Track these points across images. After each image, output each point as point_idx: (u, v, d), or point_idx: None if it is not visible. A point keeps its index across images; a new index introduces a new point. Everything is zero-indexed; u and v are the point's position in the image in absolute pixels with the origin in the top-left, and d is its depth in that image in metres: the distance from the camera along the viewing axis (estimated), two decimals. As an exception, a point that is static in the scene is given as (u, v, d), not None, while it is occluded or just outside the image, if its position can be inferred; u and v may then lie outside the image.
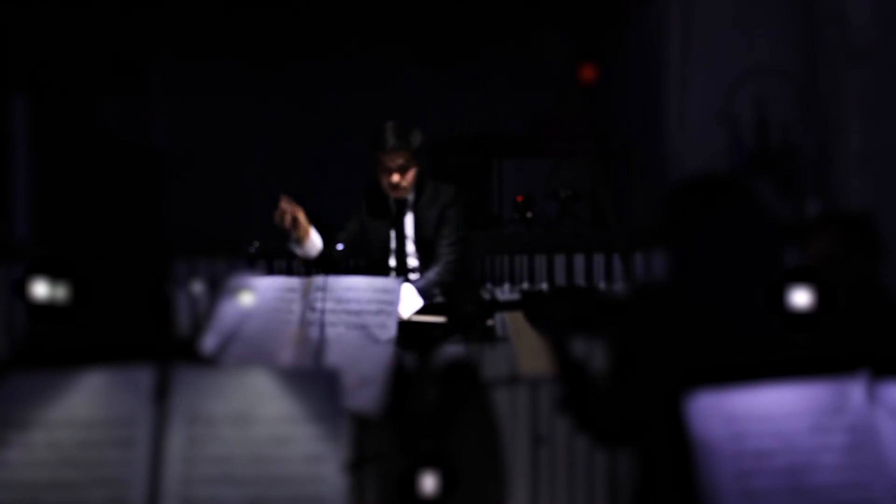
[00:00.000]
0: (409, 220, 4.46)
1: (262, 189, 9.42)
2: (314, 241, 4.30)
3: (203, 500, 1.83)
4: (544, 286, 6.30)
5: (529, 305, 2.59)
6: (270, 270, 6.54)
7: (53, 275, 2.22)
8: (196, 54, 9.47)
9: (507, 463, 3.82)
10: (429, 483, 2.18)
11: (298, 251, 4.30)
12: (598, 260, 6.59)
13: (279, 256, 6.71)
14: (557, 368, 2.43)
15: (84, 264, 2.28)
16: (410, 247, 4.46)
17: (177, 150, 9.61)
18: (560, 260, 6.48)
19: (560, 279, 6.49)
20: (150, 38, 9.26)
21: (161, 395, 1.89)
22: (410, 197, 4.45)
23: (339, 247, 4.33)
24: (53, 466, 1.85)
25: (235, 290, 3.44)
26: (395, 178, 4.36)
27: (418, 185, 4.43)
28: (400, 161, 4.36)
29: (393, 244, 4.46)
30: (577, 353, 2.42)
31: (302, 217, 4.20)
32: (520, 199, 7.35)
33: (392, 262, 4.45)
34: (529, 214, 7.17)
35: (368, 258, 4.58)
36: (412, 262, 4.45)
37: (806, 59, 6.51)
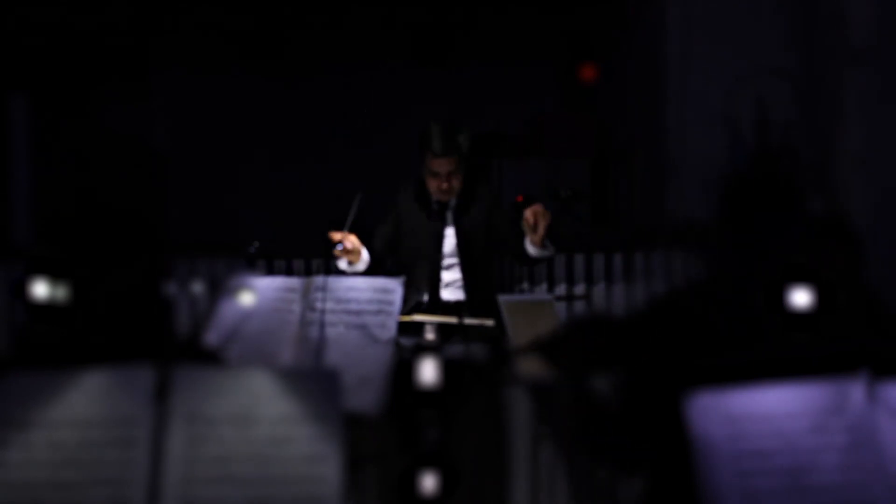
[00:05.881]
0: (449, 221, 4.40)
1: (263, 189, 9.42)
2: (364, 259, 4.29)
3: (203, 500, 1.83)
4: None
5: (550, 345, 2.57)
6: (270, 270, 6.54)
7: (53, 275, 2.22)
8: (197, 56, 9.47)
9: (508, 463, 3.82)
10: (429, 483, 2.18)
11: (349, 269, 4.28)
12: (599, 259, 6.59)
13: (279, 256, 6.71)
14: (578, 416, 2.41)
15: (84, 264, 2.28)
16: (448, 247, 4.39)
17: (177, 151, 9.60)
18: (560, 259, 6.49)
19: (560, 279, 6.48)
20: (152, 39, 9.26)
21: (161, 395, 1.89)
22: (453, 199, 4.40)
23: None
24: (53, 466, 1.85)
25: (235, 290, 3.44)
26: (445, 185, 4.30)
27: (463, 185, 4.38)
28: (449, 167, 4.29)
29: (431, 245, 4.39)
30: (597, 395, 2.39)
31: (355, 242, 4.19)
32: (520, 199, 7.34)
33: (427, 264, 4.37)
34: (529, 214, 7.16)
35: (403, 261, 4.49)
36: (448, 261, 4.39)
37: (806, 60, 6.50)
